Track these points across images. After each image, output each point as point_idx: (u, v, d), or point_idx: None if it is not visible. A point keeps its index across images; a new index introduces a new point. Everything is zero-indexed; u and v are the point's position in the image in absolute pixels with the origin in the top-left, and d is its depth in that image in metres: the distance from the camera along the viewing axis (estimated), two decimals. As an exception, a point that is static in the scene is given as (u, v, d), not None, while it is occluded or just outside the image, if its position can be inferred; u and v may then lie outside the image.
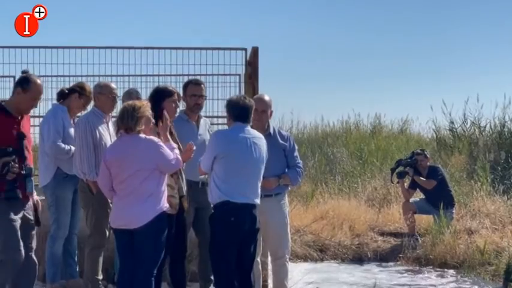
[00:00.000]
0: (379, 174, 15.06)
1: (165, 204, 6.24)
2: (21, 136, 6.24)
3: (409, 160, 11.74)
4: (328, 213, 12.24)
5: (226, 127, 7.24)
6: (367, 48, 32.48)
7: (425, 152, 11.97)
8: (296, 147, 7.61)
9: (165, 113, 6.55)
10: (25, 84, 6.21)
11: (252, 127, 7.13)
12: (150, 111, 6.30)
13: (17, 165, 6.11)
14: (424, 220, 11.77)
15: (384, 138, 19.05)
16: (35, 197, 6.48)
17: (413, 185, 11.83)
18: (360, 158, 17.00)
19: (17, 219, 6.20)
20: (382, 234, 11.75)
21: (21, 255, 6.18)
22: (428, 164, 11.77)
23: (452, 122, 18.26)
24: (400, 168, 11.77)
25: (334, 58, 31.92)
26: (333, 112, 36.01)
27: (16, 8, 24.74)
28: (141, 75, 11.52)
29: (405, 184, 11.94)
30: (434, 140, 18.39)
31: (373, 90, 29.42)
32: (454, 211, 11.56)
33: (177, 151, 6.38)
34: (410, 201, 11.72)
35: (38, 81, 6.33)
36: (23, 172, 6.20)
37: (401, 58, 32.08)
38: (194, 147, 6.68)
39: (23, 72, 6.42)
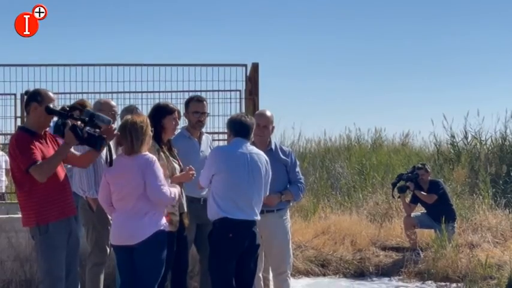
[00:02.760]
0: (381, 189, 15.05)
1: (163, 222, 6.23)
2: None
3: (410, 174, 11.73)
4: (330, 228, 12.22)
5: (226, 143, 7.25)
6: (368, 63, 32.56)
7: (426, 166, 11.97)
8: (298, 162, 7.64)
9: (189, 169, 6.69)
10: (38, 97, 6.13)
11: (253, 142, 7.17)
12: (151, 128, 6.31)
13: None
14: (425, 234, 11.76)
15: (385, 152, 19.05)
16: None
17: (415, 200, 11.82)
18: (362, 172, 17.01)
19: None
20: (384, 248, 11.73)
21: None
22: (429, 178, 11.77)
23: (453, 136, 18.26)
24: (401, 183, 11.77)
25: (334, 73, 31.96)
26: (334, 127, 36.03)
27: (16, 8, 24.70)
28: (141, 92, 11.52)
29: (406, 199, 11.94)
30: (436, 154, 18.38)
31: (373, 104, 29.45)
32: (455, 225, 11.56)
33: (175, 190, 6.33)
34: (412, 215, 11.71)
35: (49, 92, 6.27)
36: None
37: (401, 72, 32.13)
38: (194, 172, 6.69)
39: (26, 93, 6.36)
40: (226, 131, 7.00)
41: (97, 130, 6.10)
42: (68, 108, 7.98)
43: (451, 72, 31.66)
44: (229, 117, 7.12)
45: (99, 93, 11.07)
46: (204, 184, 6.64)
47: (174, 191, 6.28)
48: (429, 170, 11.95)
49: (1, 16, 26.21)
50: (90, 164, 6.57)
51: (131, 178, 6.10)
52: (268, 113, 7.44)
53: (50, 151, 6.10)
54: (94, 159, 6.40)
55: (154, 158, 6.20)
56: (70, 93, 10.93)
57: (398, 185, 11.81)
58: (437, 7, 33.01)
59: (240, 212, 6.44)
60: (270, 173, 6.73)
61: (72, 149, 6.19)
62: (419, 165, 11.94)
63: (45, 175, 5.92)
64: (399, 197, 11.93)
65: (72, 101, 8.50)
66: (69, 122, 6.07)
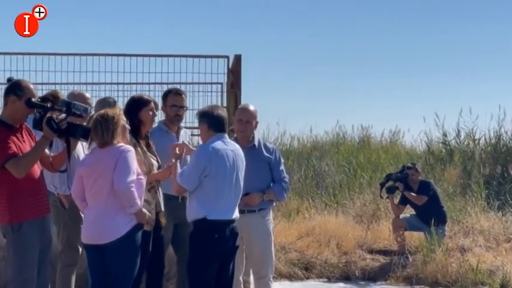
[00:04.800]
0: (368, 189, 15.07)
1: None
2: None
3: (399, 174, 11.76)
4: (315, 230, 12.22)
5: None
6: (356, 58, 32.59)
7: (417, 166, 12.01)
8: (282, 160, 7.63)
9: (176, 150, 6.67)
10: (18, 91, 6.12)
11: (235, 138, 7.17)
12: (125, 118, 6.31)
13: None
14: (414, 237, 11.79)
15: (373, 150, 19.09)
16: None
17: (404, 201, 11.86)
18: (349, 171, 17.03)
19: None
20: (371, 252, 11.74)
21: None
22: (419, 178, 11.81)
23: (445, 134, 18.30)
24: (390, 183, 11.79)
25: (321, 67, 31.99)
26: (320, 123, 36.06)
27: (16, 8, 24.83)
28: (117, 83, 11.53)
29: (395, 200, 11.98)
30: (427, 153, 18.43)
31: (361, 100, 29.48)
32: (446, 228, 11.60)
33: (142, 181, 6.27)
34: (401, 217, 11.75)
35: (31, 85, 6.27)
36: None
37: (389, 68, 32.20)
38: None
39: (9, 80, 6.37)
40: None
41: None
42: (39, 100, 8.00)
43: (443, 68, 31.75)
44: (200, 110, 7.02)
45: (73, 84, 11.07)
46: (190, 187, 6.49)
47: (138, 199, 6.17)
48: (419, 170, 11.99)
49: (1, 16, 26.32)
50: (63, 164, 6.54)
51: (104, 171, 6.08)
52: (252, 108, 7.44)
53: (26, 146, 6.10)
54: (68, 155, 6.37)
55: (130, 148, 6.18)
56: (42, 83, 10.93)
57: (386, 185, 11.83)
58: (429, 2, 33.16)
59: (224, 212, 6.44)
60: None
61: (46, 150, 6.21)
62: (409, 165, 11.97)
63: (23, 170, 5.93)
64: (387, 197, 11.97)
65: (44, 92, 8.48)
66: (48, 114, 6.10)
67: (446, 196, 13.78)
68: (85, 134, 6.21)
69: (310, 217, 13.35)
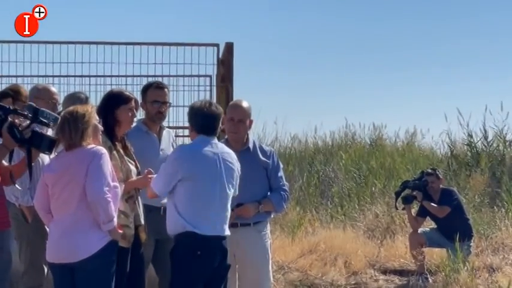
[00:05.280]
0: (382, 199, 15.10)
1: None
2: None
3: (417, 182, 11.77)
4: (319, 246, 12.26)
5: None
6: (366, 48, 32.58)
7: (438, 172, 12.01)
8: (281, 165, 7.63)
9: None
10: None
11: (226, 140, 7.16)
12: (97, 117, 6.30)
13: None
14: (435, 255, 11.81)
15: (387, 154, 19.11)
16: None
17: (423, 212, 11.86)
18: (359, 178, 17.05)
19: None
20: (385, 272, 11.78)
21: None
22: (441, 186, 11.83)
23: (470, 135, 18.34)
24: (407, 192, 11.81)
25: (326, 59, 31.99)
26: (325, 122, 36.09)
27: (16, 8, 25.29)
28: (89, 76, 11.53)
29: (412, 211, 11.98)
30: (449, 157, 18.46)
31: (371, 96, 29.50)
32: (472, 244, 11.62)
33: (118, 190, 6.27)
34: (419, 231, 11.75)
35: None
36: None
37: (405, 59, 32.16)
38: (154, 176, 6.67)
39: None
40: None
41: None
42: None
43: (467, 59, 31.77)
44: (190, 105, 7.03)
45: (37, 76, 11.07)
46: (160, 192, 6.56)
47: (116, 191, 6.21)
48: (441, 177, 12.00)
49: (1, 16, 26.63)
50: (21, 175, 6.53)
51: (73, 177, 6.07)
52: (245, 104, 7.44)
53: None
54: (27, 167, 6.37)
55: (103, 150, 6.17)
56: (1, 76, 10.91)
57: (403, 194, 11.85)
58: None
59: (209, 226, 6.42)
60: (238, 177, 6.71)
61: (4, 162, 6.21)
62: (429, 171, 11.99)
63: None
64: (403, 208, 11.98)
65: (3, 87, 8.49)
66: (9, 118, 6.09)
67: (472, 207, 13.81)
68: (51, 146, 6.19)
69: (313, 231, 13.38)
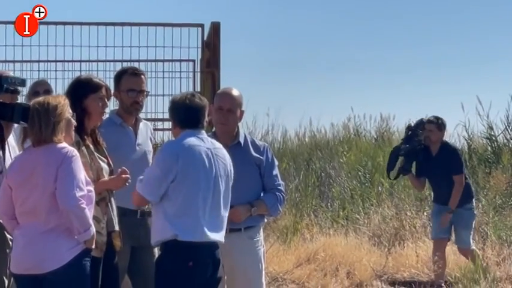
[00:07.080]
0: (389, 200, 15.13)
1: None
2: None
3: (407, 146, 11.54)
4: (318, 255, 12.30)
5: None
6: (371, 29, 32.62)
7: (441, 122, 11.69)
8: (276, 162, 7.63)
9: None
10: None
11: (214, 133, 7.17)
12: (70, 111, 6.29)
13: None
14: (451, 263, 11.85)
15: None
16: None
17: (421, 171, 11.76)
18: (363, 176, 17.09)
19: None
20: (393, 283, 11.82)
21: None
22: (443, 139, 11.68)
23: (490, 127, 18.38)
24: (401, 161, 11.63)
25: (325, 42, 32.00)
26: (324, 114, 36.09)
27: (16, 8, 25.60)
28: (56, 61, 11.53)
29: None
30: (466, 152, 18.50)
31: (377, 84, 29.51)
32: (473, 206, 11.60)
33: (92, 194, 6.29)
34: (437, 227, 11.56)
35: None
36: None
37: (413, 40, 32.20)
38: (128, 176, 6.67)
39: None
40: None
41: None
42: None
43: (485, 43, 31.82)
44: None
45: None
46: (152, 196, 6.50)
47: (90, 195, 6.21)
48: (444, 128, 11.79)
49: (1, 16, 26.99)
50: None
51: (41, 178, 6.07)
52: (235, 92, 7.44)
53: None
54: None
55: (75, 152, 6.17)
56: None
57: (398, 165, 11.72)
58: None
59: (200, 232, 6.43)
60: (232, 175, 6.73)
61: None
62: (431, 118, 11.71)
63: None
64: (396, 178, 11.96)
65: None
66: None
67: (492, 209, 13.84)
68: (25, 114, 6.18)
69: (311, 238, 13.42)
